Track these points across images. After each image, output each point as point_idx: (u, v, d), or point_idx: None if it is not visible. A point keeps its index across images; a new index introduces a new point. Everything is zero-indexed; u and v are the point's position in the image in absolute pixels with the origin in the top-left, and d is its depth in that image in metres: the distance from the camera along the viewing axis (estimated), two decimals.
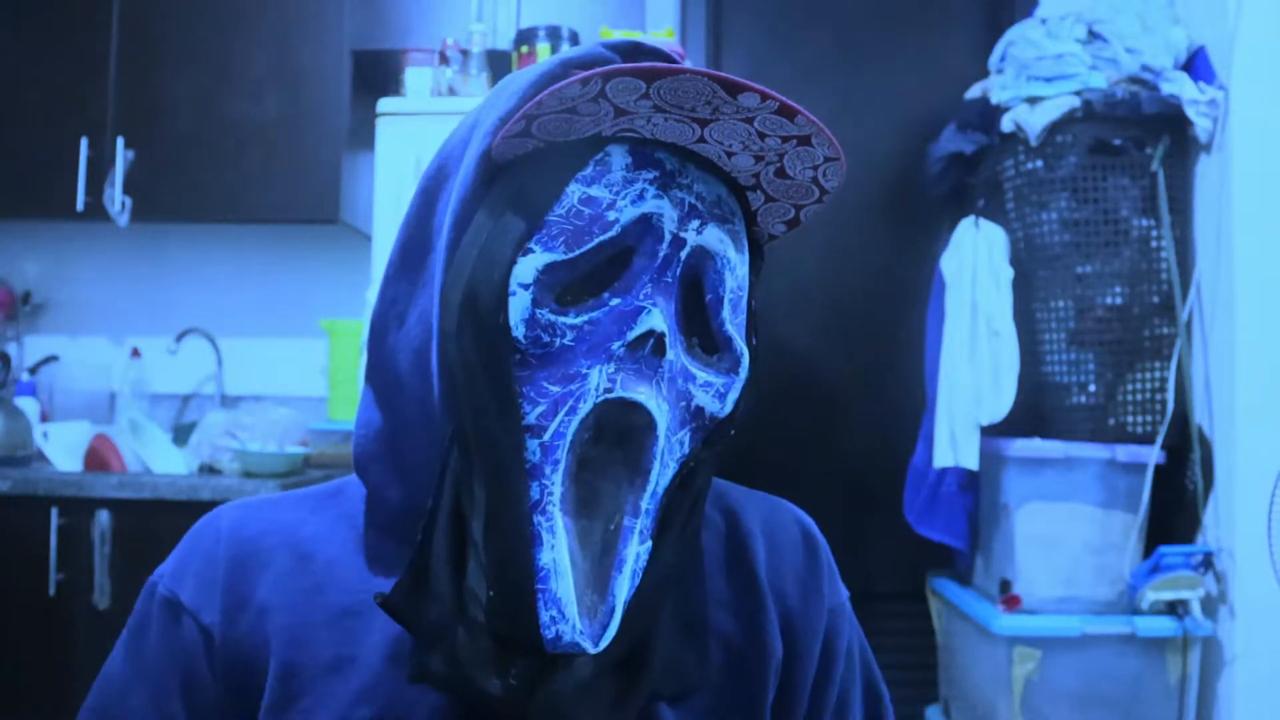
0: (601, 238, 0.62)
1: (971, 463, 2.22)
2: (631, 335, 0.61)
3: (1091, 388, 2.21)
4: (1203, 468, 2.14)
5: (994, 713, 2.13)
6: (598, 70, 0.58)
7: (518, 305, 0.61)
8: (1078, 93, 2.17)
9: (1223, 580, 2.09)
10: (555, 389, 0.60)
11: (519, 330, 0.61)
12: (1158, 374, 2.18)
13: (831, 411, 2.79)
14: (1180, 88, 2.15)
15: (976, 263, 2.25)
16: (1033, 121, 2.19)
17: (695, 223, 0.63)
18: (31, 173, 2.55)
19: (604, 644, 0.58)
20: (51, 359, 2.83)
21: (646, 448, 0.61)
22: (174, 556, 0.72)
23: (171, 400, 2.84)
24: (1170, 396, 2.15)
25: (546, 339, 0.61)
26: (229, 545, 0.69)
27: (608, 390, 0.60)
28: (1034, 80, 2.23)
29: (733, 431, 0.67)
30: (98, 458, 2.38)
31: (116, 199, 2.49)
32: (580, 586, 0.59)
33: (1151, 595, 2.04)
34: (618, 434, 0.61)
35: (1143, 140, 2.18)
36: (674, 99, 0.60)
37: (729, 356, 0.66)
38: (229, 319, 2.83)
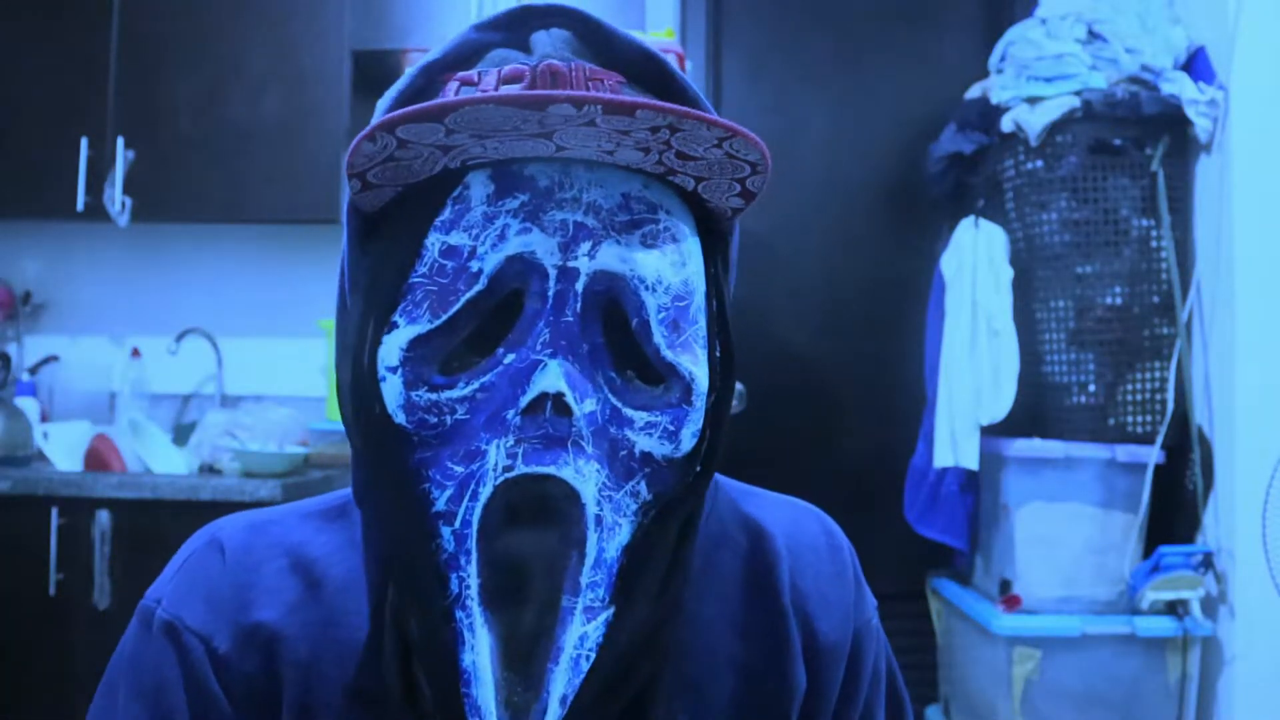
0: (468, 294, 0.54)
1: (971, 463, 2.22)
2: (524, 401, 0.53)
3: (1091, 388, 2.21)
4: (1203, 468, 2.14)
5: (994, 713, 2.13)
6: (375, 122, 0.51)
7: (390, 391, 0.55)
8: (1078, 93, 2.17)
9: (1223, 580, 2.09)
10: (459, 469, 0.54)
11: (399, 417, 0.54)
12: (1158, 374, 2.18)
13: (831, 411, 2.78)
14: (1180, 88, 2.15)
15: (976, 263, 2.25)
16: (1033, 121, 2.19)
17: (585, 245, 0.54)
18: (31, 173, 2.55)
19: None
20: (51, 359, 2.83)
21: (575, 519, 0.54)
22: (171, 578, 0.65)
23: (171, 400, 2.83)
24: (1170, 396, 2.15)
25: (434, 419, 0.54)
26: (235, 570, 0.63)
27: (508, 469, 0.53)
28: (1034, 80, 2.23)
29: (700, 468, 0.59)
30: (98, 458, 2.37)
31: (116, 199, 2.49)
32: (508, 686, 0.53)
33: (1151, 595, 2.04)
34: (535, 511, 0.54)
35: (1143, 140, 2.18)
36: (481, 128, 0.51)
37: (677, 384, 0.56)
38: (229, 319, 2.83)
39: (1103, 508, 2.14)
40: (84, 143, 2.51)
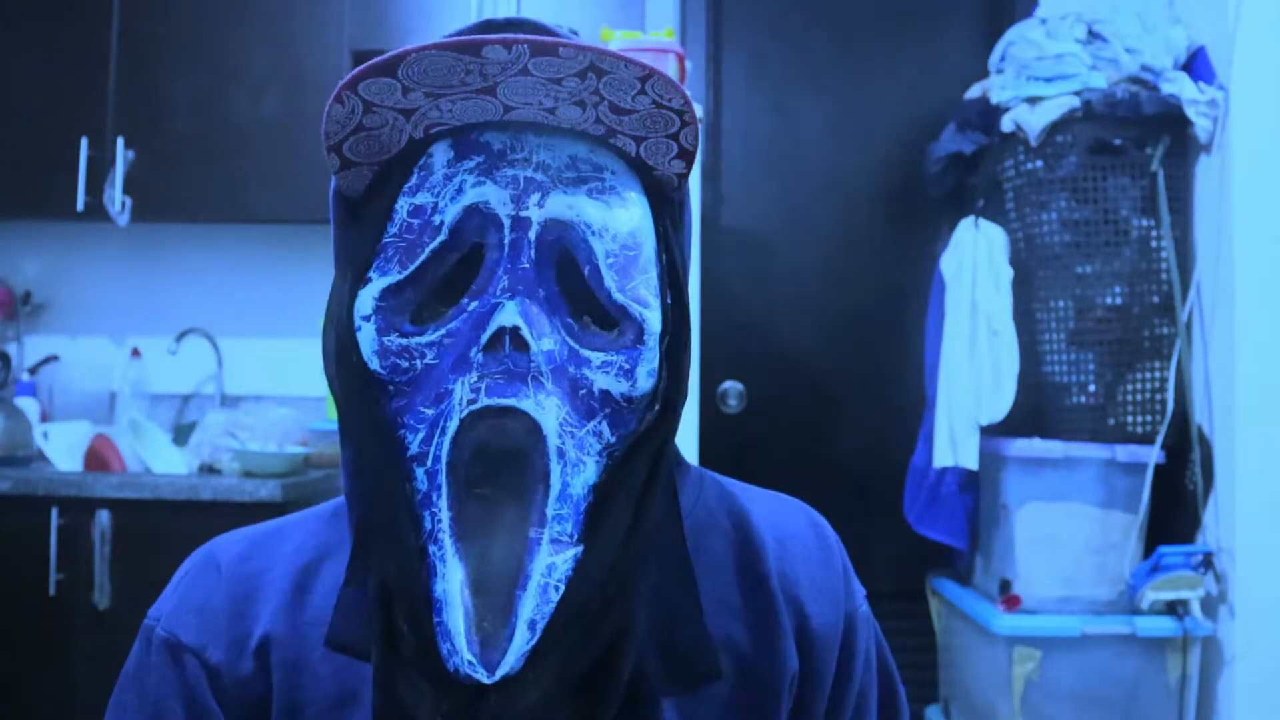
0: (432, 245, 0.59)
1: (971, 463, 2.22)
2: (484, 338, 0.57)
3: (1091, 388, 2.21)
4: (1203, 468, 2.14)
5: (994, 713, 2.13)
6: (342, 82, 0.56)
7: (365, 338, 0.59)
8: (1078, 93, 2.17)
9: (1223, 580, 2.09)
10: (430, 412, 0.58)
11: (374, 363, 0.59)
12: (1158, 374, 2.18)
13: (831, 411, 2.78)
14: (1180, 88, 2.15)
15: (976, 263, 2.25)
16: (1033, 121, 2.19)
17: (535, 196, 0.59)
18: (31, 173, 2.55)
19: (505, 669, 0.55)
20: (51, 359, 2.83)
21: (538, 451, 0.57)
22: (170, 596, 0.68)
23: (171, 400, 2.84)
24: (1170, 396, 2.15)
25: (406, 364, 0.59)
26: (230, 583, 0.67)
27: (471, 402, 0.57)
28: (1034, 80, 2.23)
29: (659, 406, 0.62)
30: (98, 458, 2.38)
31: (116, 199, 2.49)
32: (477, 612, 0.55)
33: (1151, 595, 2.04)
34: (501, 445, 0.57)
35: (1143, 140, 2.18)
36: (433, 80, 0.57)
37: (630, 327, 0.61)
38: (229, 319, 2.83)
39: (1103, 508, 2.14)
40: (84, 143, 2.51)
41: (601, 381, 0.60)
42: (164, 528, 2.19)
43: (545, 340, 0.58)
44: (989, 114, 2.31)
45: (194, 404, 2.84)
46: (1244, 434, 2.07)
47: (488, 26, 0.65)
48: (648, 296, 0.62)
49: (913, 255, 2.66)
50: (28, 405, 2.64)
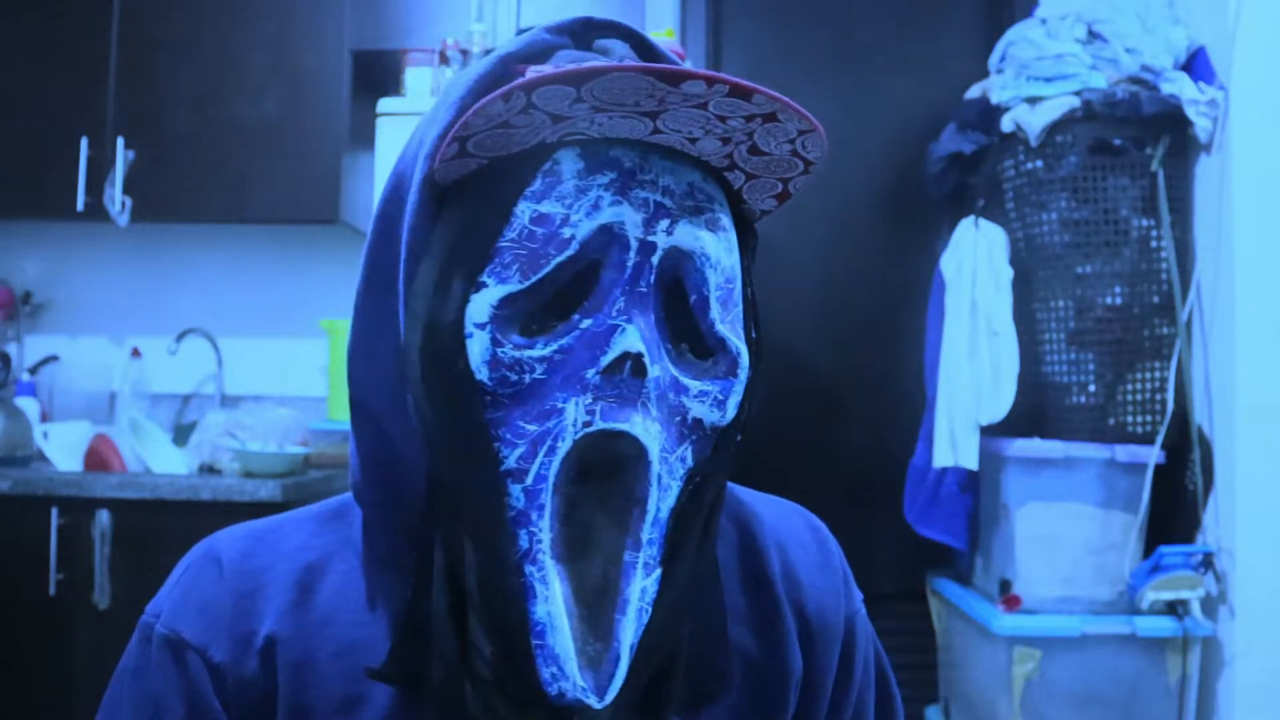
0: (559, 259, 0.57)
1: (971, 463, 2.22)
2: (606, 360, 0.56)
3: (1091, 388, 2.21)
4: (1203, 468, 2.14)
5: (994, 713, 2.13)
6: (518, 83, 0.54)
7: (477, 347, 0.57)
8: (1078, 93, 2.17)
9: (1223, 580, 2.09)
10: (532, 428, 0.56)
11: (482, 374, 0.57)
12: (1158, 374, 2.18)
13: (831, 411, 2.78)
14: (1180, 88, 2.15)
15: (976, 263, 2.25)
16: (1033, 121, 2.19)
17: (664, 222, 0.58)
18: (31, 173, 2.55)
19: (611, 695, 0.55)
20: (51, 359, 2.83)
21: (640, 476, 0.57)
22: (170, 592, 0.67)
23: (171, 400, 2.84)
24: (1170, 396, 2.15)
25: (514, 377, 0.57)
26: (232, 579, 0.65)
27: (586, 424, 0.56)
28: (1034, 80, 2.23)
29: (739, 436, 0.63)
30: (98, 458, 2.38)
31: (116, 199, 2.49)
32: (581, 636, 0.55)
33: (1151, 595, 2.04)
34: (606, 467, 0.57)
35: (1143, 140, 2.18)
36: (610, 97, 0.55)
37: (725, 359, 0.61)
38: (229, 319, 2.83)
39: (1103, 508, 2.14)
40: (84, 143, 2.51)
41: (696, 410, 0.60)
42: (164, 528, 2.19)
43: (655, 367, 0.58)
44: (989, 114, 2.31)
45: (194, 404, 2.84)
46: (1244, 434, 2.07)
47: (588, 25, 0.64)
48: (740, 330, 0.63)
49: (913, 255, 2.66)
50: (28, 405, 2.64)
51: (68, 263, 2.89)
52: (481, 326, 0.57)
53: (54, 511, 2.19)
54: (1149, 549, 2.14)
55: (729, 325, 0.61)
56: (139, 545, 2.18)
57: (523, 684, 0.55)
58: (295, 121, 2.51)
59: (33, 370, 2.80)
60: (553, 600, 0.55)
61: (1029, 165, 2.24)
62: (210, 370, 2.83)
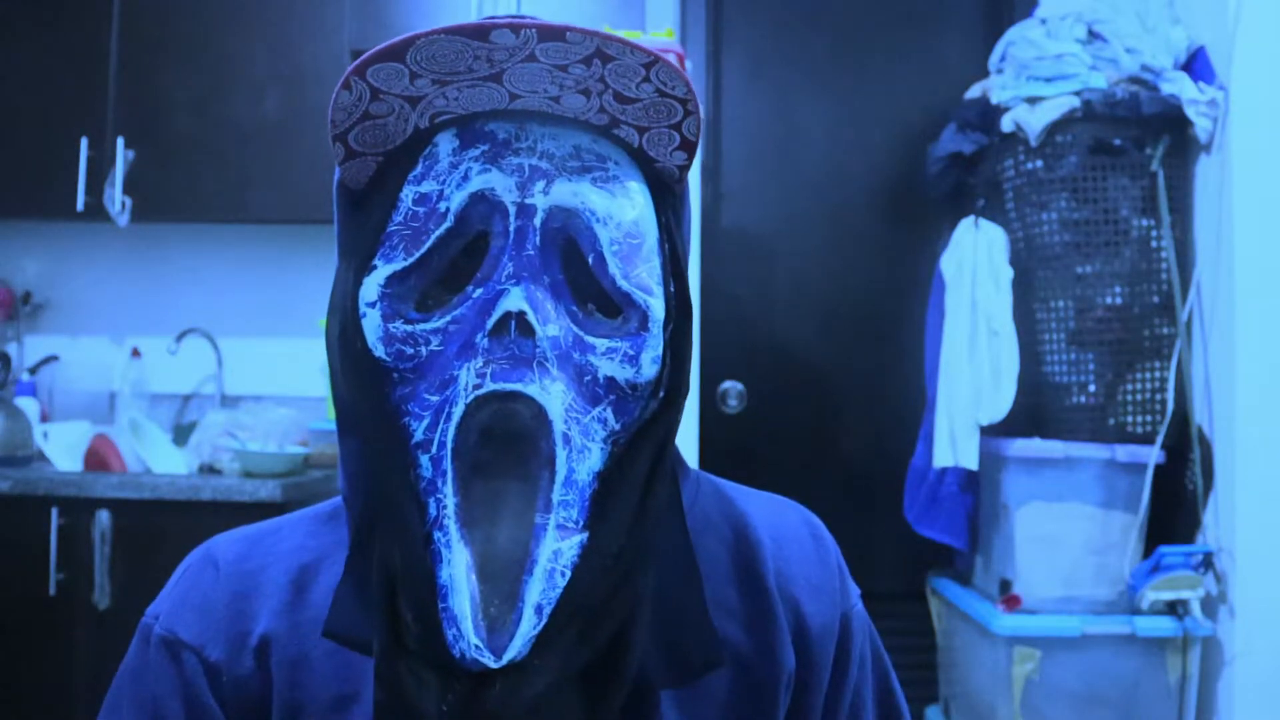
0: (438, 232, 0.59)
1: (971, 463, 2.22)
2: (490, 323, 0.57)
3: (1091, 388, 2.21)
4: (1203, 468, 2.14)
5: (994, 713, 2.13)
6: (349, 69, 0.57)
7: (370, 325, 0.59)
8: (1078, 93, 2.17)
9: (1223, 580, 2.09)
10: (434, 398, 0.58)
11: (379, 350, 0.59)
12: (1158, 374, 2.18)
13: (831, 411, 2.78)
14: (1180, 88, 2.15)
15: (976, 263, 2.25)
16: (1033, 121, 2.19)
17: (540, 183, 0.59)
18: (31, 173, 2.55)
19: (510, 654, 0.54)
20: (51, 359, 2.83)
21: (543, 436, 0.57)
22: (168, 594, 0.68)
23: (171, 400, 2.83)
24: (1170, 396, 2.15)
25: (411, 351, 0.58)
26: (228, 581, 0.66)
27: (477, 387, 0.57)
28: (1034, 80, 2.23)
29: (666, 394, 0.62)
30: (98, 458, 2.37)
31: (116, 199, 2.49)
32: (485, 597, 0.55)
33: (1151, 595, 2.04)
34: (509, 430, 0.57)
35: (1143, 140, 2.18)
36: (440, 66, 0.57)
37: (634, 314, 0.61)
38: (229, 319, 2.83)
39: (1103, 508, 2.14)
40: (84, 143, 2.51)
41: (606, 368, 0.60)
42: (164, 528, 2.19)
43: (551, 326, 0.58)
44: (989, 114, 2.31)
45: (194, 404, 2.84)
46: (1244, 434, 2.07)
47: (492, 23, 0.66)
48: (651, 284, 0.62)
49: (913, 255, 2.66)
50: (28, 405, 2.64)
51: (68, 263, 2.89)
52: (372, 305, 0.59)
53: (54, 511, 2.19)
54: (1149, 549, 2.14)
55: (634, 280, 0.61)
56: (139, 545, 2.18)
57: (441, 652, 0.55)
58: (295, 121, 2.51)
59: (33, 370, 2.80)
60: (455, 564, 0.55)
61: (1029, 165, 2.24)
62: (210, 370, 2.83)
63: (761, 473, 2.68)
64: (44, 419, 2.70)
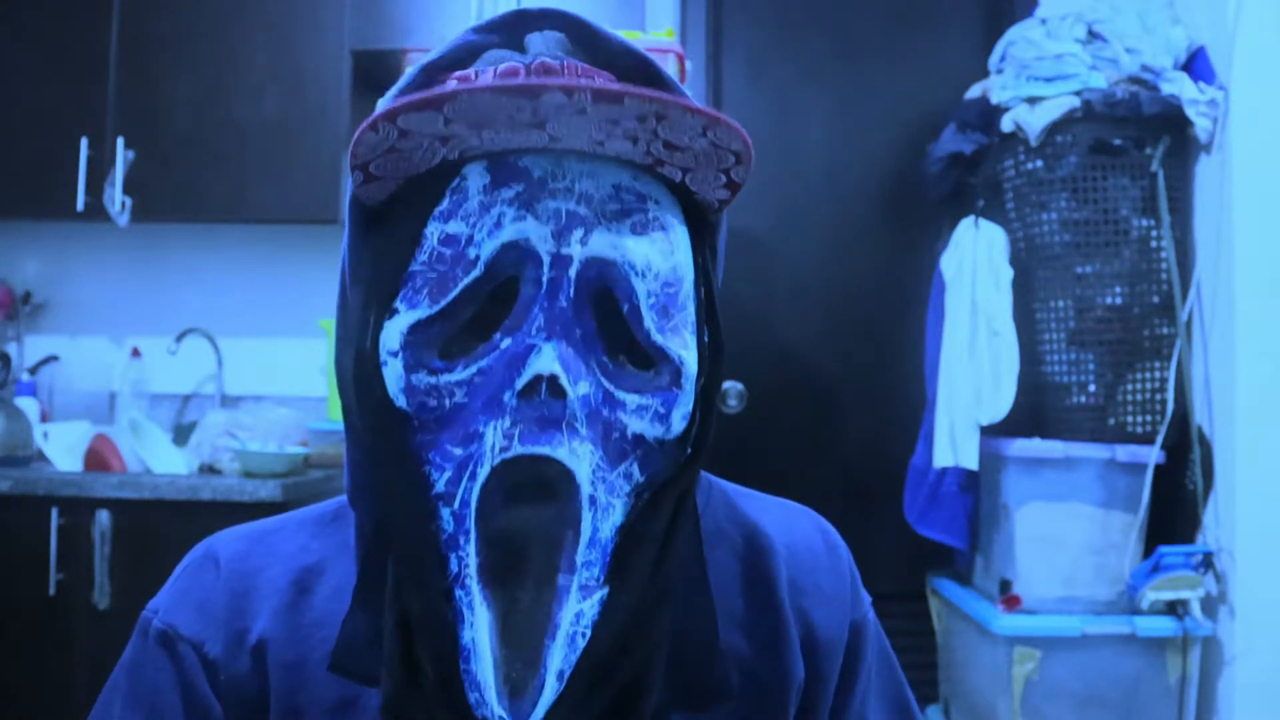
0: (466, 281, 0.56)
1: (971, 463, 2.22)
2: (520, 383, 0.54)
3: (1091, 388, 2.21)
4: (1203, 468, 2.14)
5: (994, 713, 2.13)
6: (378, 113, 0.53)
7: (392, 374, 0.56)
8: (1078, 93, 2.17)
9: (1223, 580, 2.09)
10: (458, 451, 0.56)
11: (400, 400, 0.56)
12: (1158, 374, 2.18)
13: (831, 411, 2.78)
14: (1180, 88, 2.15)
15: (976, 263, 2.25)
16: (1033, 121, 2.19)
17: (578, 232, 0.56)
18: (31, 173, 2.55)
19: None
20: (51, 359, 2.83)
21: (570, 499, 0.55)
22: (169, 590, 0.68)
23: (171, 400, 2.84)
24: (1170, 396, 2.15)
25: (434, 403, 0.56)
26: (229, 578, 0.66)
27: (504, 449, 0.55)
28: (1034, 80, 2.23)
29: (692, 450, 0.61)
30: (98, 458, 2.37)
31: (116, 199, 2.49)
32: (506, 661, 0.54)
33: (1151, 595, 2.04)
34: (534, 490, 0.55)
35: (1143, 140, 2.18)
36: (477, 117, 0.53)
37: (667, 368, 0.58)
38: (229, 319, 2.83)
39: (1103, 508, 2.14)
40: (84, 143, 2.51)
41: (636, 425, 0.57)
42: (164, 528, 2.19)
43: (582, 383, 0.56)
44: (989, 114, 2.31)
45: (194, 404, 2.84)
46: (1244, 434, 2.07)
47: (521, 18, 0.63)
48: (686, 336, 0.59)
49: (913, 255, 2.66)
50: (28, 405, 2.64)
51: (68, 263, 2.89)
52: (394, 354, 0.56)
53: (54, 511, 2.19)
54: (1149, 549, 2.14)
55: (670, 333, 0.58)
56: (139, 545, 2.18)
57: (451, 708, 0.54)
58: (295, 121, 2.51)
59: (33, 370, 2.80)
60: (477, 626, 0.54)
61: (1029, 165, 2.24)
62: (210, 370, 2.83)
63: (761, 473, 2.68)
64: (44, 419, 2.70)
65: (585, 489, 0.56)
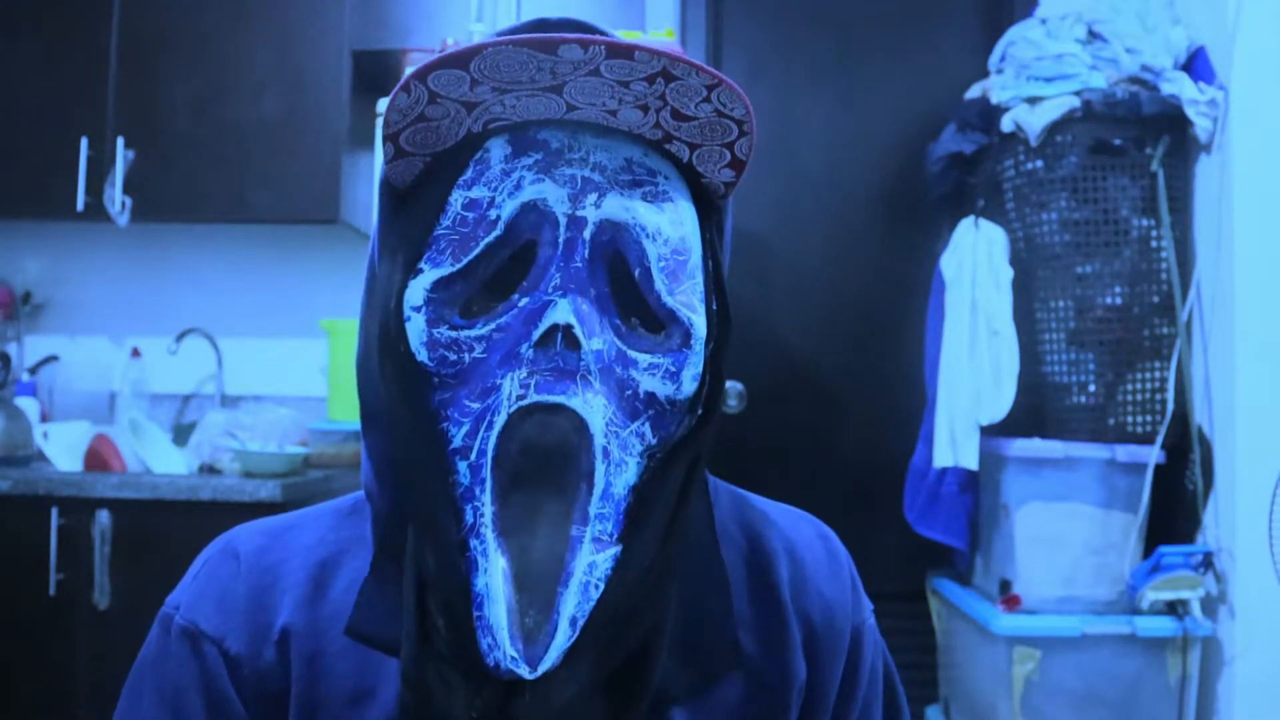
0: (487, 239, 0.59)
1: (971, 463, 2.22)
2: (536, 334, 0.57)
3: (1091, 388, 2.21)
4: (1203, 468, 2.14)
5: (994, 713, 2.13)
6: (410, 73, 0.56)
7: (414, 329, 0.59)
8: (1078, 93, 2.17)
9: (1223, 580, 2.09)
10: (475, 405, 0.58)
11: (422, 354, 0.59)
12: (1158, 374, 2.18)
13: (831, 411, 2.78)
14: (1180, 88, 2.15)
15: (976, 263, 2.25)
16: (1033, 121, 2.19)
17: (592, 196, 0.59)
18: (31, 173, 2.55)
19: (545, 666, 0.55)
20: (51, 359, 2.83)
21: (583, 449, 0.57)
22: (188, 585, 0.68)
23: (171, 400, 2.84)
24: (1170, 396, 2.15)
25: (454, 357, 0.59)
26: (249, 574, 0.66)
27: (520, 398, 0.57)
28: (1034, 80, 2.23)
29: (704, 412, 0.63)
30: (98, 458, 2.37)
31: (116, 199, 2.49)
32: (520, 608, 0.55)
33: (1151, 595, 2.04)
34: (549, 441, 0.57)
35: (1143, 140, 2.18)
36: (503, 75, 0.57)
37: (677, 330, 0.61)
38: (229, 319, 2.83)
39: (1103, 508, 2.14)
40: (84, 143, 2.51)
41: (648, 383, 0.60)
42: (164, 528, 2.19)
43: (595, 339, 0.59)
44: (989, 114, 2.31)
45: (194, 404, 2.84)
46: (1244, 434, 2.07)
47: (542, 25, 0.65)
48: (695, 301, 0.62)
49: (913, 255, 2.66)
50: (28, 405, 2.64)
51: (68, 263, 2.89)
52: (418, 309, 0.60)
53: (54, 511, 2.19)
54: (1149, 549, 2.14)
55: (680, 297, 0.61)
56: (139, 545, 2.18)
57: (471, 658, 0.56)
58: (295, 121, 2.51)
59: (33, 370, 2.80)
60: (491, 572, 0.56)
61: (1029, 165, 2.24)
62: (210, 370, 2.83)
63: (761, 472, 2.68)
64: (44, 419, 2.70)
65: (599, 440, 0.58)
